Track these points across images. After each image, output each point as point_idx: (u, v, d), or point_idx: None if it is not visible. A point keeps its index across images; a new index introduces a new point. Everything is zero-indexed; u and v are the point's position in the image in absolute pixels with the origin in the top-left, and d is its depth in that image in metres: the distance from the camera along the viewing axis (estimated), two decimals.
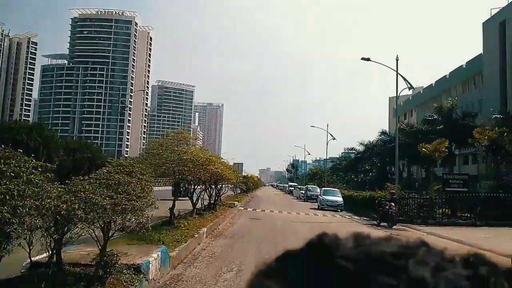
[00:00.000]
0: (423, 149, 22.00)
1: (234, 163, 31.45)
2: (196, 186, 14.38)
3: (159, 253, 6.81)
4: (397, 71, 21.86)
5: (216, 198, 18.51)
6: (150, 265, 6.08)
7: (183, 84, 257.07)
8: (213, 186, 17.49)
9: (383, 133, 55.30)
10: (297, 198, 46.05)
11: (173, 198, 11.68)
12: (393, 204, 18.65)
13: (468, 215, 18.80)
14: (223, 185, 20.37)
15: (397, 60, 22.08)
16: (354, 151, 63.15)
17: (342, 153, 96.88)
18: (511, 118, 25.53)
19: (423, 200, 19.78)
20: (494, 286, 0.39)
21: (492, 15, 46.86)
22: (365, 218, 22.41)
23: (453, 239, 13.68)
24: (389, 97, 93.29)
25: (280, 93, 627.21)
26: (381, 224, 19.09)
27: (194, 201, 13.94)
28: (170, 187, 16.95)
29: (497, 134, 20.99)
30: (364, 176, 60.00)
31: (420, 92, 71.33)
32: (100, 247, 5.03)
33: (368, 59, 22.23)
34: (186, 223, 11.12)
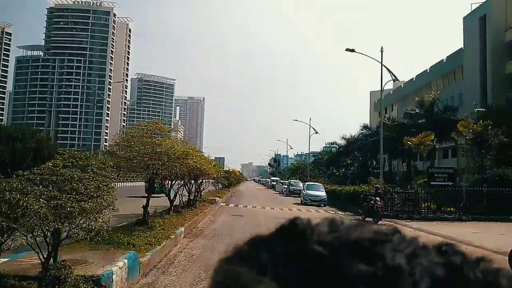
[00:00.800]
0: (408, 142, 21.62)
1: (215, 158, 30.53)
2: (173, 182, 13.45)
3: (126, 260, 5.85)
4: (381, 63, 21.35)
5: (196, 194, 17.60)
6: (114, 275, 5.15)
7: (164, 77, 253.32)
8: (192, 182, 16.56)
9: (365, 127, 55.25)
10: (280, 193, 45.49)
11: (147, 195, 10.68)
12: (378, 199, 18.18)
13: (453, 209, 18.48)
14: (204, 180, 19.46)
15: (381, 51, 21.56)
16: (336, 145, 63.11)
17: (323, 147, 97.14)
18: (493, 111, 25.40)
19: (408, 194, 19.36)
20: (467, 274, 0.39)
21: (472, 10, 47.08)
22: (349, 213, 21.91)
23: (442, 235, 13.21)
24: (370, 91, 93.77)
25: (263, 87, 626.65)
26: (366, 219, 18.58)
27: (171, 198, 13.00)
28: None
29: (482, 127, 20.76)
30: (346, 170, 60.02)
31: (401, 86, 71.83)
32: (43, 258, 4.08)
33: (352, 50, 21.62)
34: (162, 222, 10.17)
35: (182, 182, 15.11)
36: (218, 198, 22.96)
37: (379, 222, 17.48)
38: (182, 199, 15.01)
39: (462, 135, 22.93)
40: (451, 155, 48.56)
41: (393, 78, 21.49)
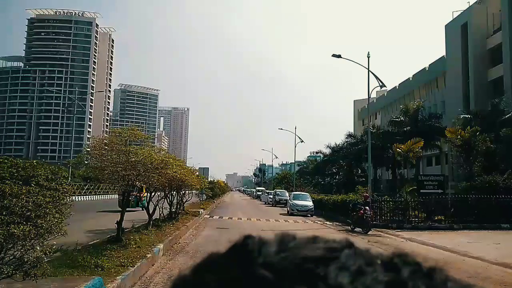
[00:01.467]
0: (397, 149, 21.17)
1: (199, 168, 29.58)
2: (153, 194, 12.54)
3: None
4: (368, 69, 20.97)
5: (178, 206, 16.67)
6: None
7: (147, 88, 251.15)
8: (174, 193, 15.66)
9: (350, 135, 55.13)
10: (265, 203, 44.63)
11: (121, 209, 9.66)
12: (367, 208, 17.59)
13: (444, 218, 17.98)
14: (187, 192, 18.52)
15: (368, 57, 21.20)
16: (321, 154, 62.83)
17: (307, 156, 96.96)
18: (478, 118, 25.27)
19: (398, 203, 18.82)
20: None
21: (454, 17, 47.68)
22: (337, 223, 21.28)
23: (437, 246, 12.64)
24: (354, 100, 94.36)
25: (248, 97, 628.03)
26: (355, 229, 17.99)
27: (150, 212, 12.06)
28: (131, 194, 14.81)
29: (470, 133, 20.50)
30: (331, 179, 59.69)
31: (384, 94, 72.46)
32: None
33: (339, 56, 21.20)
34: (138, 239, 9.16)
35: (163, 193, 14.18)
36: (202, 210, 21.99)
37: (369, 233, 16.87)
38: (162, 212, 14.08)
39: (450, 142, 22.64)
40: (434, 162, 48.67)
41: (380, 84, 21.12)
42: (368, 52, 21.30)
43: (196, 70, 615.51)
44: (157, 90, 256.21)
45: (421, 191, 18.70)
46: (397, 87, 66.12)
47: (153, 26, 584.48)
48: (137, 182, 9.23)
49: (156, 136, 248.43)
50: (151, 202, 12.68)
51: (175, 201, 16.14)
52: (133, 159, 8.44)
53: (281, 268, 0.41)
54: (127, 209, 9.98)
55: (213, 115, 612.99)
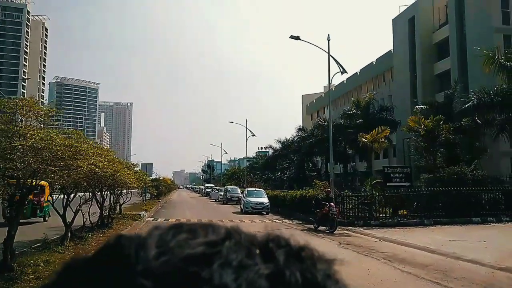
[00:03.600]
0: (363, 139, 19.71)
1: (142, 164, 26.48)
2: (73, 195, 9.61)
3: None
4: (328, 53, 19.30)
5: (112, 209, 13.79)
6: None
7: (86, 81, 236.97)
8: (106, 193, 12.79)
9: (301, 129, 54.25)
10: (216, 201, 42.16)
11: (8, 222, 6.56)
12: (332, 204, 15.84)
13: (414, 213, 16.61)
14: (125, 191, 15.61)
15: (328, 40, 19.53)
16: (271, 149, 61.50)
17: (256, 152, 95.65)
18: (435, 108, 24.64)
19: (364, 198, 17.25)
20: (289, 277, 0.38)
21: (401, 12, 48.02)
22: (297, 222, 19.43)
23: (419, 247, 11.05)
24: (302, 95, 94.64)
25: (195, 91, 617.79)
26: (319, 228, 16.20)
27: (67, 220, 9.05)
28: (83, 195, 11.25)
29: (434, 122, 19.56)
30: (282, 174, 58.63)
31: (332, 89, 72.52)
32: None
33: (297, 38, 19.34)
34: (41, 264, 6.34)
35: (89, 194, 11.26)
36: (144, 212, 18.98)
37: (336, 232, 15.13)
38: (89, 219, 11.19)
39: (412, 131, 21.64)
40: (382, 155, 48.89)
41: (341, 70, 19.53)
42: (328, 35, 19.65)
43: (141, 64, 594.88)
44: (97, 83, 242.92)
45: (388, 184, 17.29)
46: (345, 82, 66.44)
47: (95, 19, 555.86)
48: (30, 180, 6.33)
49: (96, 131, 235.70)
50: (69, 206, 9.63)
51: (106, 203, 13.21)
52: (18, 144, 5.59)
53: (162, 274, 0.37)
54: (17, 220, 6.77)
55: (159, 111, 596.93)
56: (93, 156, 7.59)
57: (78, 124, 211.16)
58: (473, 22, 36.60)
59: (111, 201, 13.55)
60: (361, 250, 11.01)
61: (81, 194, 10.52)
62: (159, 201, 31.72)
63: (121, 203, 15.23)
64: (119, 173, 10.52)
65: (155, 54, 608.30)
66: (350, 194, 18.54)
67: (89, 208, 10.94)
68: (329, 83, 20.38)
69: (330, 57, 19.16)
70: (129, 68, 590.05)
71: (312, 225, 16.70)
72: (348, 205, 17.64)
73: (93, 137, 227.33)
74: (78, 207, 10.02)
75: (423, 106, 25.60)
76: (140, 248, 0.39)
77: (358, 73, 60.66)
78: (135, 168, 16.83)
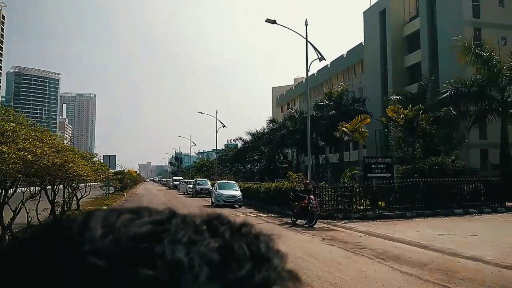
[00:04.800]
0: (343, 128, 18.82)
1: (104, 156, 24.65)
2: (12, 190, 7.96)
3: None
4: (306, 38, 18.27)
5: (67, 205, 12.16)
6: None
7: (46, 71, 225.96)
8: (59, 187, 11.15)
9: (272, 120, 53.37)
10: (184, 194, 40.59)
11: None
12: (312, 197, 14.91)
13: (393, 205, 15.92)
14: (82, 184, 13.96)
15: (306, 25, 18.50)
16: (241, 141, 60.32)
17: (225, 144, 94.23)
18: (408, 99, 24.25)
19: (343, 190, 16.39)
20: (237, 250, 0.39)
21: (372, 4, 47.82)
22: (273, 215, 18.41)
23: (408, 242, 10.26)
24: (272, 87, 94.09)
25: (162, 82, 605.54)
26: (297, 222, 15.25)
27: (6, 221, 7.37)
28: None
29: (414, 112, 19.00)
30: (253, 166, 57.66)
31: (303, 81, 72.38)
32: None
33: (274, 22, 18.17)
34: None
35: (38, 189, 9.62)
36: (105, 207, 17.42)
37: (315, 226, 14.21)
38: (37, 216, 9.57)
39: (392, 121, 21.04)
40: (352, 147, 48.86)
41: (319, 56, 18.54)
42: (306, 20, 18.61)
43: (105, 54, 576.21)
44: (58, 74, 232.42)
45: (368, 175, 16.54)
46: (316, 74, 66.06)
47: (57, 8, 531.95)
48: None
49: (57, 123, 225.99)
50: (7, 204, 7.90)
51: (58, 198, 11.58)
52: None
53: (113, 253, 0.36)
54: None
55: (124, 103, 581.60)
56: (26, 140, 5.96)
57: (38, 116, 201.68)
58: (444, 15, 36.78)
59: (65, 196, 11.90)
60: (348, 246, 10.08)
61: (24, 189, 8.86)
62: (124, 195, 29.84)
63: (78, 198, 13.59)
64: (70, 164, 8.94)
65: (119, 43, 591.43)
66: (329, 185, 17.66)
67: (37, 205, 9.35)
68: (307, 70, 19.34)
69: (308, 43, 18.16)
70: (92, 59, 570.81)
71: (290, 219, 15.73)
72: (325, 197, 16.77)
73: (55, 129, 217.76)
74: (20, 204, 8.40)
75: (397, 97, 25.14)
76: (83, 228, 0.39)
77: (329, 66, 60.33)
78: (94, 159, 14.98)
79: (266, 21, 18.40)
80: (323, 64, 61.92)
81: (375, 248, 9.65)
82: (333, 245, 10.27)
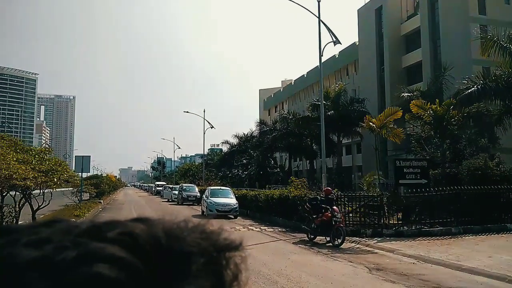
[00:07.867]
0: (370, 123, 15.89)
1: (76, 157, 21.21)
2: None
3: None
4: (319, 18, 15.48)
5: (15, 219, 8.85)
6: None
7: (23, 71, 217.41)
8: (11, 193, 7.90)
9: (261, 122, 50.49)
10: (169, 201, 37.14)
11: None
12: (336, 208, 11.98)
13: (433, 220, 12.91)
14: (38, 191, 10.58)
15: (318, 1, 15.69)
16: (227, 144, 57.11)
17: (209, 149, 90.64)
18: (427, 95, 21.66)
19: (372, 200, 13.40)
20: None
21: (367, 1, 45.71)
22: (279, 229, 15.36)
23: (495, 276, 7.44)
24: (259, 89, 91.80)
25: (145, 84, 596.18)
26: (315, 239, 12.31)
27: None
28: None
29: (444, 107, 16.30)
30: (241, 171, 54.48)
31: (292, 83, 70.14)
32: None
33: None
34: None
35: None
36: (73, 219, 14.12)
37: (343, 245, 11.25)
38: None
39: (415, 118, 18.33)
40: (356, 150, 46.27)
41: (334, 40, 15.78)
42: None
43: (84, 55, 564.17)
44: (35, 74, 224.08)
45: (400, 181, 13.64)
46: (305, 75, 63.65)
47: (36, 6, 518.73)
48: None
49: (34, 126, 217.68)
50: None
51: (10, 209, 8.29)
52: None
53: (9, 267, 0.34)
54: None
55: (105, 105, 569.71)
56: None
57: (14, 117, 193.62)
58: (448, 12, 34.78)
59: (14, 206, 8.64)
60: (413, 283, 7.10)
61: None
62: (100, 203, 26.33)
63: (34, 208, 10.26)
64: None
65: (100, 43, 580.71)
66: (354, 194, 14.70)
67: None
68: (320, 55, 16.49)
69: (320, 22, 15.36)
70: (71, 60, 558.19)
71: (306, 236, 12.74)
72: (348, 208, 13.83)
73: (31, 131, 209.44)
74: None
75: (410, 93, 22.50)
76: None
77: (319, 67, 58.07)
78: (46, 156, 11.08)
79: None
80: (313, 65, 59.02)
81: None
82: (392, 282, 7.27)
